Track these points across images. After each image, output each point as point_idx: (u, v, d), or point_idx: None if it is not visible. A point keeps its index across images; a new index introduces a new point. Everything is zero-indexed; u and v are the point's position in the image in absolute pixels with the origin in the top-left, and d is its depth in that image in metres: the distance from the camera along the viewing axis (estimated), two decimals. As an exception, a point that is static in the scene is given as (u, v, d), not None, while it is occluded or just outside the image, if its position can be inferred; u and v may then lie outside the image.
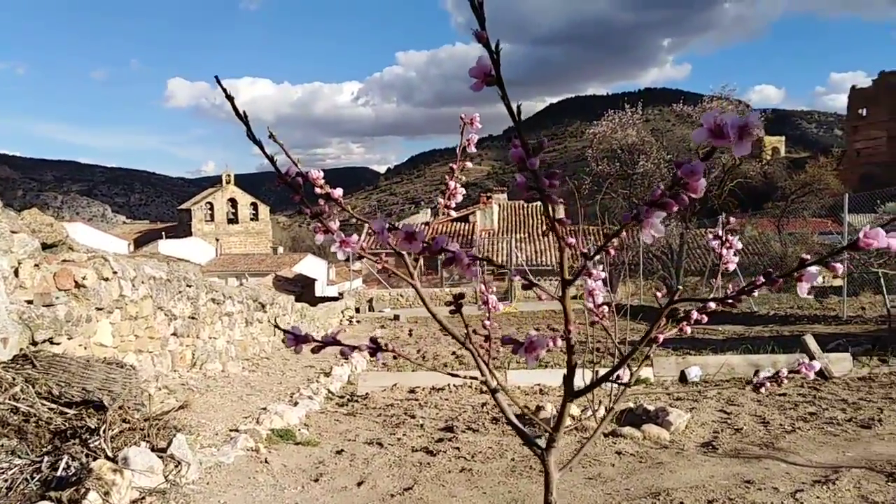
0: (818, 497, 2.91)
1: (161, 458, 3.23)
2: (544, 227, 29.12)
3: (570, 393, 1.29)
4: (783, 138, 62.88)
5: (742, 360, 6.45)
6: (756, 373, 1.44)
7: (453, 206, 1.56)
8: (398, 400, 5.66)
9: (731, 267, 1.52)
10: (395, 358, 7.96)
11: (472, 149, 1.42)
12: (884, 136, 50.53)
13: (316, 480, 3.43)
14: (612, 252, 1.23)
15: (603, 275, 1.62)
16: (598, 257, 1.63)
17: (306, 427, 4.67)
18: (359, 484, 3.34)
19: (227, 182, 48.98)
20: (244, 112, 1.12)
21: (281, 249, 45.00)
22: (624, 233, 1.16)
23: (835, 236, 19.35)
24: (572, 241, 1.06)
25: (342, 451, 3.98)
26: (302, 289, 27.03)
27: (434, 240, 1.04)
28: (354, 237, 1.22)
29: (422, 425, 4.64)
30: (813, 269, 0.98)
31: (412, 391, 6.03)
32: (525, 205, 31.74)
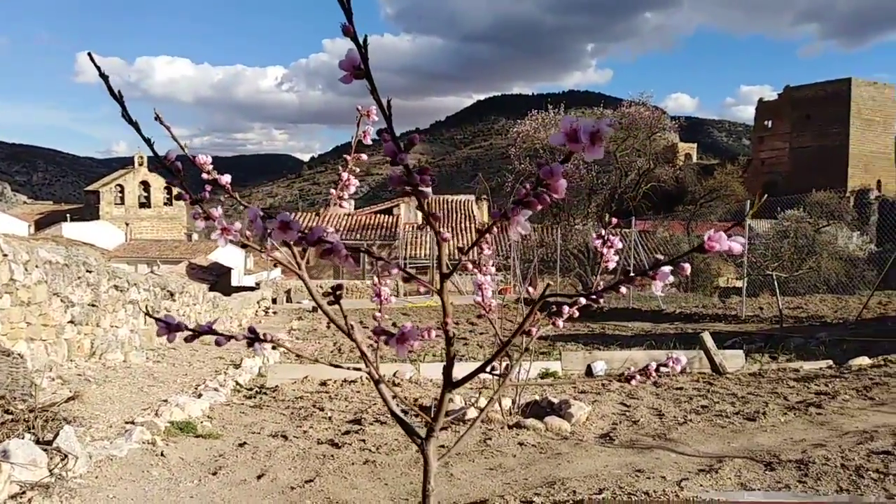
0: (701, 485, 3.09)
1: (46, 451, 3.07)
2: (475, 223, 29.44)
3: (448, 384, 1.32)
4: (695, 145, 65.97)
5: (645, 355, 6.75)
6: (629, 368, 1.52)
7: (346, 196, 1.56)
8: (308, 392, 5.60)
9: (612, 265, 1.58)
10: (297, 357, 7.79)
11: (368, 141, 1.42)
12: (786, 148, 53.84)
13: (214, 474, 3.35)
14: (486, 249, 1.27)
15: (492, 269, 1.67)
16: (488, 252, 1.67)
17: (209, 419, 4.55)
18: (259, 477, 3.29)
19: (140, 164, 46.75)
20: (119, 92, 1.08)
21: (196, 236, 43.45)
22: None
23: (745, 239, 20.43)
24: (447, 235, 1.08)
25: (245, 443, 3.91)
26: (217, 278, 26.20)
27: (311, 230, 1.04)
28: (237, 224, 1.20)
29: (330, 418, 4.61)
30: (666, 268, 1.04)
31: (323, 384, 5.98)
32: (450, 199, 31.97)
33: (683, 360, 1.53)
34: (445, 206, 31.34)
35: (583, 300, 1.20)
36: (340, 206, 1.55)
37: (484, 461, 3.48)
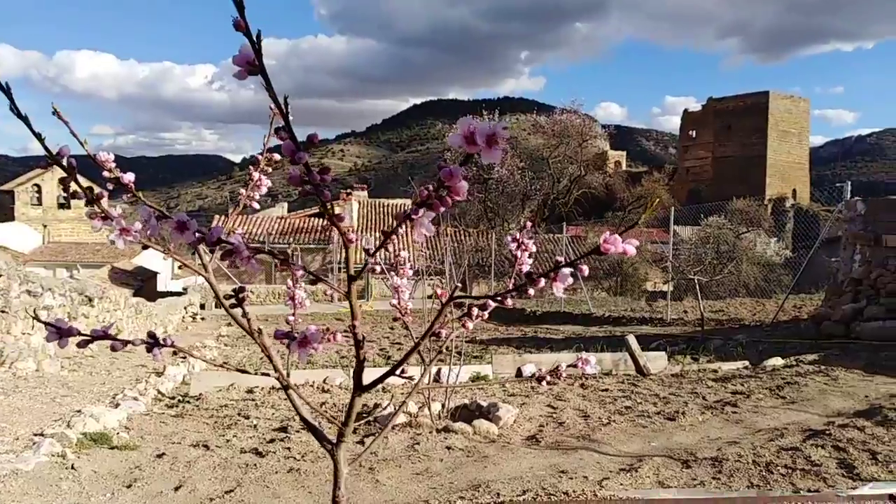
0: (621, 484, 3.16)
1: (-60, 468, 2.87)
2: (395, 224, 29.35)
3: (358, 387, 1.30)
4: (625, 153, 67.98)
5: (573, 357, 6.88)
6: (540, 369, 1.54)
7: (256, 197, 1.52)
8: (234, 400, 5.44)
9: (526, 268, 1.58)
10: (223, 365, 7.53)
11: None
12: (709, 157, 56.18)
13: (129, 486, 3.20)
14: (402, 252, 1.27)
15: (409, 272, 1.66)
16: (404, 254, 1.66)
17: (126, 430, 4.35)
18: (176, 488, 3.17)
19: (61, 163, 44.36)
20: (6, 84, 1.02)
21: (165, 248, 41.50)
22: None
23: (665, 245, 21.22)
24: (353, 237, 1.07)
25: (163, 454, 3.76)
26: (142, 283, 25.20)
27: (211, 230, 1.01)
28: (137, 225, 1.15)
29: (255, 426, 4.49)
30: (566, 270, 1.06)
31: (250, 391, 5.83)
32: (385, 203, 31.84)
33: (592, 361, 1.56)
34: (381, 209, 31.21)
35: (491, 302, 1.21)
36: (251, 206, 1.51)
37: (411, 466, 3.46)
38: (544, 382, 1.44)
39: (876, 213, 10.86)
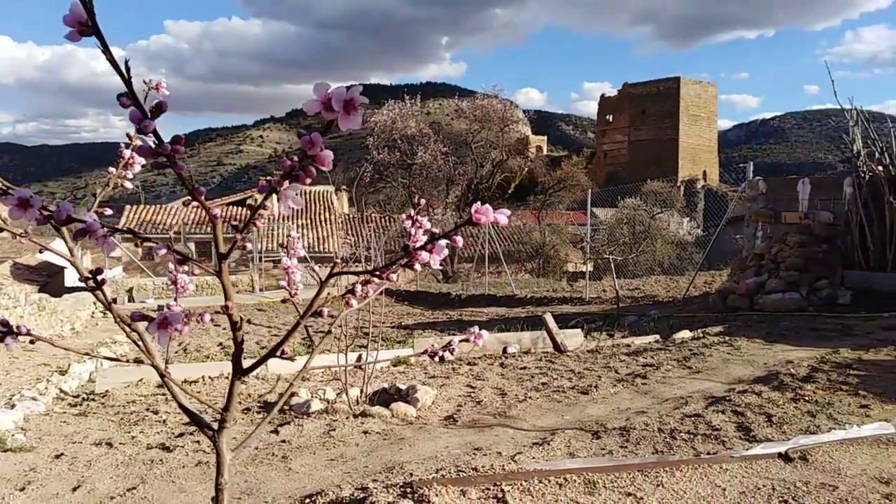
0: (533, 457, 3.23)
1: None
2: (327, 214, 28.94)
3: (238, 371, 1.26)
4: (545, 138, 69.33)
5: (493, 338, 6.98)
6: (449, 343, 1.54)
7: (130, 176, 1.44)
8: (142, 396, 5.22)
9: (460, 242, 1.55)
10: (135, 362, 7.22)
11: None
12: (626, 141, 58.06)
13: (22, 489, 3.02)
14: (292, 232, 1.22)
15: (302, 252, 1.61)
16: (295, 234, 1.61)
17: (23, 432, 4.10)
18: (74, 489, 3.01)
19: (-49, 152, 41.27)
20: None
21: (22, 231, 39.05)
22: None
23: (585, 227, 21.83)
24: (216, 211, 1.02)
25: (62, 454, 3.56)
26: (48, 278, 23.77)
27: (58, 207, 0.93)
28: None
29: (164, 421, 4.33)
30: (442, 242, 1.05)
31: (161, 386, 5.60)
32: (307, 190, 31.25)
33: (485, 335, 1.57)
34: (303, 196, 30.58)
35: (375, 278, 1.19)
36: (123, 185, 1.43)
37: (325, 452, 3.42)
38: (437, 357, 1.43)
39: (776, 192, 11.51)
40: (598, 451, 3.36)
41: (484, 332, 1.54)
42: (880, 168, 9.86)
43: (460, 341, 1.66)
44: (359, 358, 5.75)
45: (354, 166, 31.00)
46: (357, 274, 1.16)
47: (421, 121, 28.07)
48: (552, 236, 29.73)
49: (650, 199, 30.51)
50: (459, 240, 1.03)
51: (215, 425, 1.29)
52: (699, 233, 30.00)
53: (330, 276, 1.16)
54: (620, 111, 58.34)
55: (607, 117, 60.15)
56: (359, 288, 1.24)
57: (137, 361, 1.20)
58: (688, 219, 35.02)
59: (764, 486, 2.42)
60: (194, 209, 27.63)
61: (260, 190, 0.94)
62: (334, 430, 3.78)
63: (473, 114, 27.96)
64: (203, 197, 0.98)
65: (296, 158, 0.91)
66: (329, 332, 1.37)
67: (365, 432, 3.78)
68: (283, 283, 1.52)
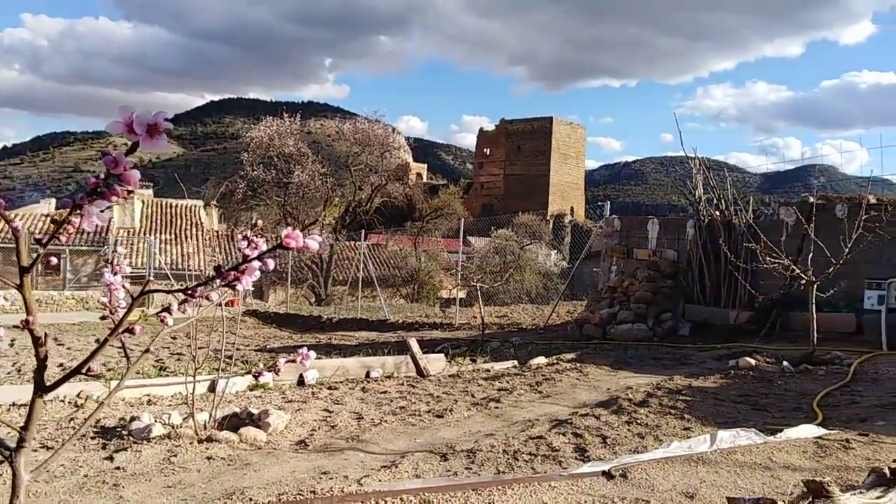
0: (380, 480, 3.27)
1: None
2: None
3: (40, 388, 1.21)
4: (425, 165, 70.58)
5: (356, 362, 6.98)
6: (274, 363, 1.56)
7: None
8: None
9: (271, 265, 1.57)
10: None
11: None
12: (501, 174, 60.32)
13: None
14: (119, 248, 1.21)
15: (128, 270, 1.58)
16: (122, 250, 1.58)
17: None
18: None
19: None
20: None
21: None
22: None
23: (459, 254, 22.37)
24: (18, 224, 1.00)
25: None
26: None
27: None
28: None
29: (-18, 447, 3.94)
30: (255, 263, 1.09)
31: (-19, 408, 5.09)
32: (173, 203, 29.69)
33: (312, 355, 1.62)
34: (169, 210, 29.04)
35: (181, 295, 1.20)
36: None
37: (163, 479, 3.26)
38: (267, 375, 1.45)
39: (629, 230, 12.43)
40: (444, 472, 3.46)
41: (312, 352, 1.58)
42: (717, 213, 10.94)
43: (286, 362, 1.69)
44: (213, 382, 5.54)
45: (227, 182, 29.86)
46: (167, 291, 1.17)
47: (300, 139, 27.63)
48: (427, 262, 30.16)
49: (521, 231, 31.80)
50: (270, 262, 1.08)
51: (13, 444, 1.23)
52: (564, 265, 31.59)
53: (141, 293, 1.16)
54: (497, 145, 60.66)
55: (485, 150, 62.30)
56: (175, 306, 1.24)
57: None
58: (555, 251, 36.82)
59: (585, 501, 2.61)
60: (42, 218, 25.40)
61: (63, 206, 0.94)
62: (175, 455, 3.62)
63: (354, 136, 27.94)
64: (3, 209, 0.96)
65: (101, 176, 0.92)
66: (147, 350, 1.35)
67: (209, 458, 3.65)
68: (104, 299, 1.48)
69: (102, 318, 1.48)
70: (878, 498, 2.01)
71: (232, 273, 1.09)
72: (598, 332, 10.72)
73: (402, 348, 9.90)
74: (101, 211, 0.95)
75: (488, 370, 7.40)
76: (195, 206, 29.22)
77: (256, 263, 1.08)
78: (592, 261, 16.58)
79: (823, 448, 3.47)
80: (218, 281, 1.14)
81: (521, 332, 12.74)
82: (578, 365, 7.52)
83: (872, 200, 9.04)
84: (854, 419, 4.50)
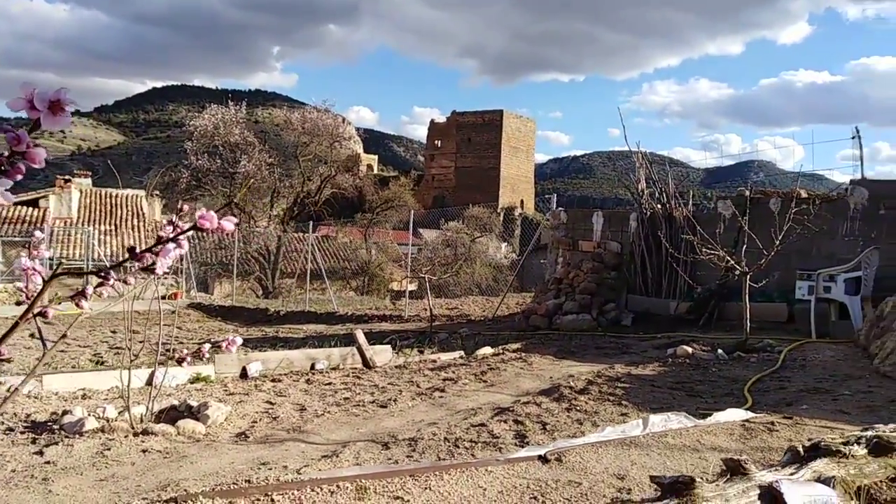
0: (320, 469, 3.26)
1: None
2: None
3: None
4: (376, 157, 70.16)
5: (301, 354, 6.91)
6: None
7: None
8: None
9: (186, 246, 1.54)
10: None
11: None
12: (452, 166, 60.43)
13: None
14: (38, 233, 1.18)
15: (47, 253, 1.53)
16: (40, 234, 1.53)
17: None
18: None
19: None
20: None
21: None
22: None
23: (409, 246, 22.34)
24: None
25: None
26: None
27: None
28: None
29: None
30: (170, 245, 1.09)
31: None
32: (114, 193, 28.70)
33: (238, 341, 1.61)
34: (109, 200, 28.08)
35: (96, 278, 1.18)
36: None
37: (95, 473, 3.18)
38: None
39: (575, 222, 12.64)
40: (386, 461, 3.47)
41: (239, 339, 1.57)
42: (659, 206, 11.24)
43: (212, 347, 1.68)
44: (151, 375, 5.41)
45: (170, 171, 29.03)
46: (81, 273, 1.14)
47: (246, 128, 27.06)
48: (378, 254, 30.03)
49: (472, 224, 31.98)
50: (185, 244, 1.07)
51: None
52: (514, 257, 31.93)
53: (53, 276, 1.14)
54: (448, 137, 60.72)
55: (436, 142, 62.27)
56: (90, 290, 1.22)
57: None
58: (505, 244, 37.20)
59: (521, 484, 2.67)
60: (-28, 207, 24.21)
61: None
62: (109, 449, 3.53)
63: (303, 126, 27.53)
64: None
65: (4, 154, 0.89)
66: (64, 335, 1.32)
67: (144, 451, 3.57)
68: (21, 285, 1.44)
69: (18, 303, 1.44)
70: (792, 474, 2.12)
71: (147, 255, 1.08)
72: (544, 322, 10.89)
73: (349, 340, 9.86)
74: (6, 190, 0.92)
75: (434, 361, 7.44)
76: (136, 196, 28.32)
77: (171, 245, 1.07)
78: (541, 253, 16.84)
79: (749, 430, 3.63)
80: (137, 264, 1.12)
81: (470, 324, 12.83)
82: (523, 355, 7.64)
83: (804, 195, 9.45)
84: (781, 403, 4.71)
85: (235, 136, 25.65)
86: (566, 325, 10.52)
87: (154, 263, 1.12)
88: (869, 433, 2.47)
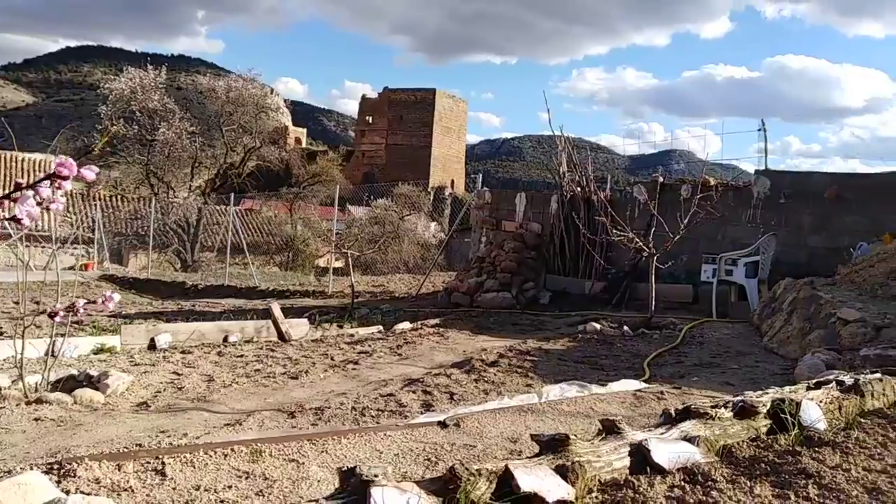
0: (223, 437, 3.25)
1: None
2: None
3: None
4: (305, 130, 68.69)
5: (213, 326, 6.79)
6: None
7: None
8: None
9: (62, 201, 1.51)
10: None
11: None
12: (384, 143, 59.91)
13: None
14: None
15: None
16: None
17: None
18: None
19: None
20: None
21: None
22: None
23: (335, 222, 22.10)
24: None
25: None
26: None
27: None
28: None
29: None
30: (28, 192, 1.08)
31: None
32: (20, 157, 27.00)
33: (116, 298, 1.59)
34: (15, 165, 26.42)
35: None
36: None
37: (-23, 441, 3.06)
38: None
39: (499, 203, 12.84)
40: (289, 428, 3.49)
41: (116, 295, 1.56)
42: (579, 189, 11.57)
43: (85, 304, 1.65)
44: (51, 344, 5.20)
45: (83, 136, 27.55)
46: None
47: (166, 94, 25.94)
48: (304, 230, 29.57)
49: (401, 202, 31.89)
50: (45, 191, 1.06)
51: None
52: (443, 236, 32.09)
53: None
54: (380, 114, 60.06)
55: (367, 118, 61.50)
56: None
57: None
58: (434, 223, 37.31)
59: (417, 448, 2.76)
60: None
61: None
62: (-1, 417, 3.40)
63: (227, 95, 26.62)
64: None
65: None
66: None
67: (37, 419, 3.46)
68: None
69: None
70: (662, 434, 2.28)
71: (4, 201, 1.06)
72: (465, 300, 11.06)
73: (267, 315, 9.75)
74: None
75: (352, 335, 7.46)
76: (46, 161, 26.75)
77: (30, 192, 1.06)
78: (469, 233, 17.00)
79: (640, 399, 3.85)
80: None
81: (393, 301, 12.88)
82: (441, 330, 7.76)
83: (711, 182, 9.94)
84: (675, 375, 5.00)
85: (154, 102, 24.56)
86: (487, 303, 10.73)
87: (16, 214, 1.11)
88: (737, 398, 2.68)
